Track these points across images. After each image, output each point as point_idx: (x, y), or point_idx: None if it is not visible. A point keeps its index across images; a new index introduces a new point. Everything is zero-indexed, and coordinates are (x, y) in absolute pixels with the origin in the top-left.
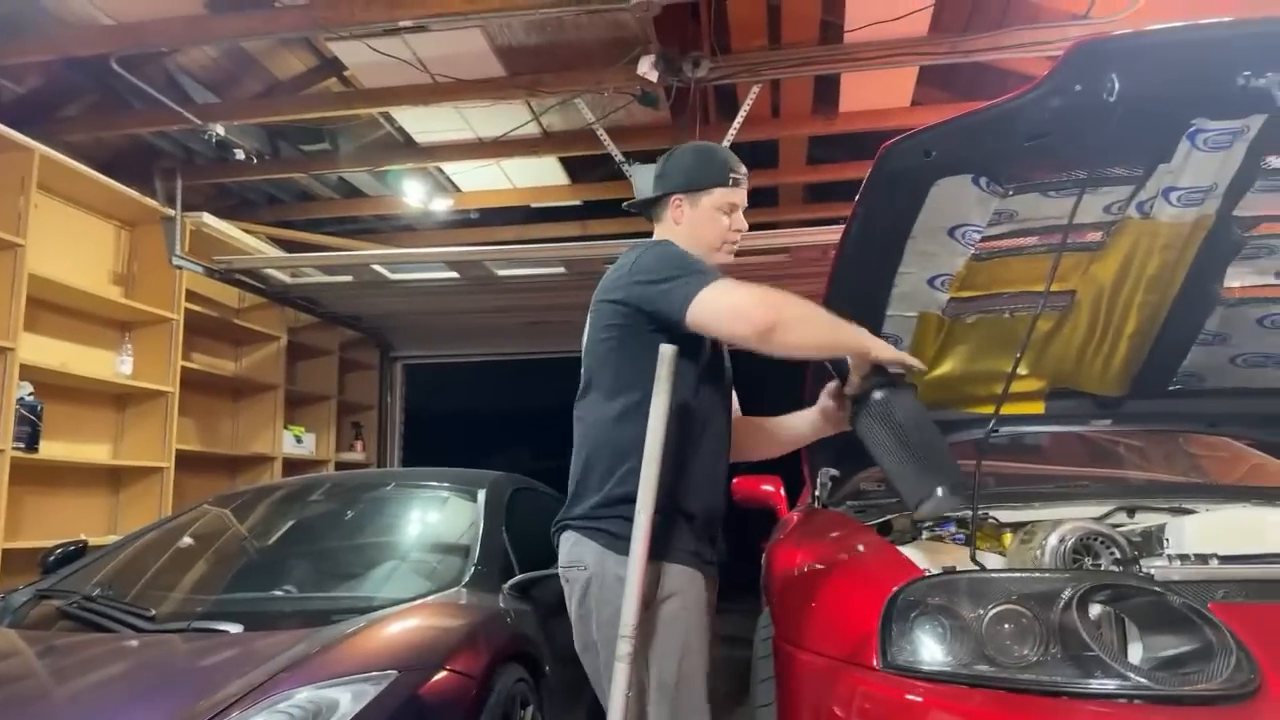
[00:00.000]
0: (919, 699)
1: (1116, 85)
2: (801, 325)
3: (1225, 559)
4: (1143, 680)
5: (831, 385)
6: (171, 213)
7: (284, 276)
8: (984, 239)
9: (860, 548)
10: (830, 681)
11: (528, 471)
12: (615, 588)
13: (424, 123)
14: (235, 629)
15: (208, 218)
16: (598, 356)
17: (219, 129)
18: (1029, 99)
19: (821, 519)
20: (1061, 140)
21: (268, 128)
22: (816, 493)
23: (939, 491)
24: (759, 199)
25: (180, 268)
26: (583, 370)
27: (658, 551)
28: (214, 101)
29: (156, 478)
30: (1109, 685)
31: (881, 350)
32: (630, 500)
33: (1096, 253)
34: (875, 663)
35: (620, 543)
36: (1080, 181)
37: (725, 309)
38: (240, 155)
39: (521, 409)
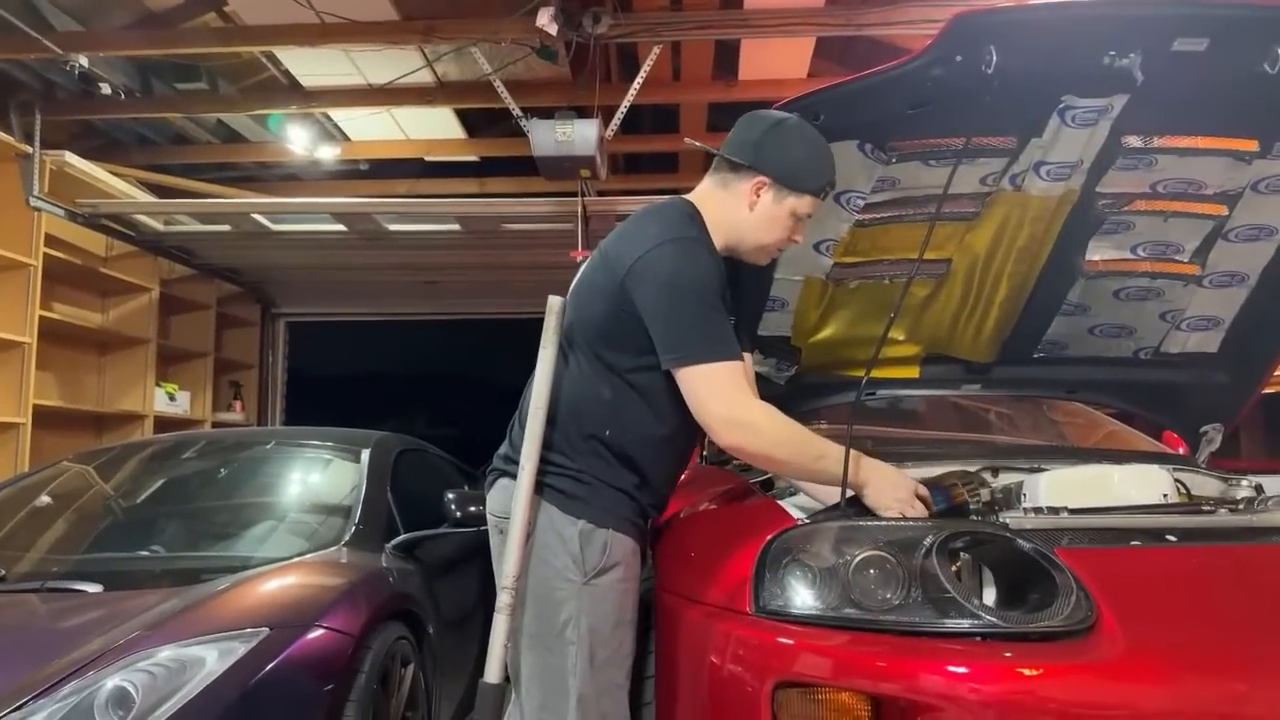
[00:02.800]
0: (790, 641)
1: (994, 58)
2: (775, 465)
3: (1074, 511)
4: (993, 619)
5: None
6: (29, 150)
7: (155, 224)
8: (867, 205)
9: (739, 500)
10: (706, 627)
11: (424, 440)
12: (555, 545)
13: (310, 65)
14: (94, 589)
15: (70, 157)
16: (594, 318)
17: (83, 60)
18: (913, 67)
19: (705, 474)
20: (942, 110)
21: (139, 62)
22: (704, 451)
23: None
24: (661, 163)
25: (39, 210)
26: (568, 310)
27: (606, 519)
28: (77, 30)
29: (11, 434)
30: (963, 624)
31: (877, 504)
32: (588, 468)
33: (972, 223)
34: (748, 608)
35: (571, 502)
36: (957, 152)
37: (712, 398)
38: (106, 90)
39: (416, 373)
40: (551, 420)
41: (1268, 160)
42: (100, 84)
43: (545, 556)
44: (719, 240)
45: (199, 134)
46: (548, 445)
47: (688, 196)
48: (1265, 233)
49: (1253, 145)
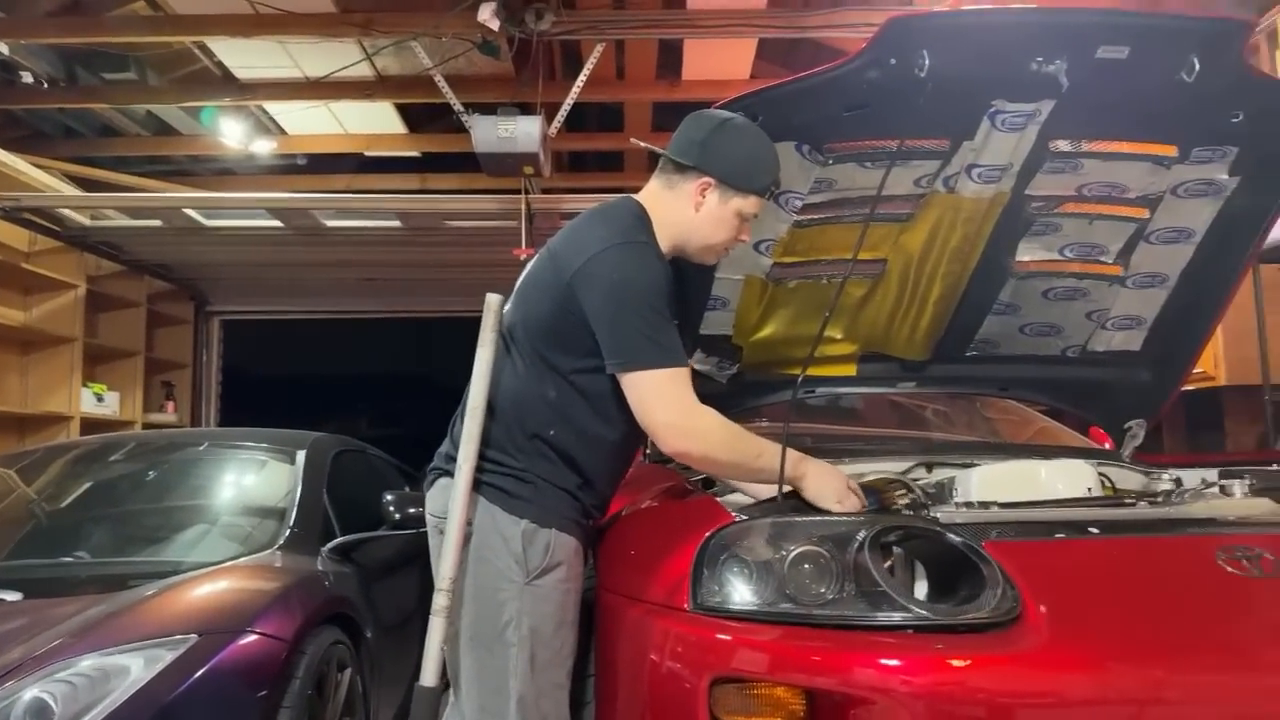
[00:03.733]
0: (726, 637)
1: (927, 61)
2: (718, 467)
3: (1004, 505)
4: (924, 612)
5: None
6: None
7: (82, 218)
8: (805, 206)
9: (678, 498)
10: (645, 625)
11: (366, 442)
12: (497, 545)
13: (244, 57)
14: (13, 597)
15: None
16: (540, 317)
17: (3, 48)
18: (848, 69)
19: (647, 473)
20: (877, 112)
21: (63, 50)
22: (646, 450)
23: None
24: (606, 162)
25: None
26: (513, 308)
27: (549, 519)
28: None
29: None
30: (895, 618)
31: (818, 496)
32: (531, 467)
33: (906, 224)
34: (686, 605)
35: (514, 501)
36: (891, 154)
37: (658, 405)
38: (29, 79)
39: (357, 373)
40: (495, 418)
41: (1185, 166)
42: (22, 72)
43: (487, 556)
44: (666, 241)
45: (128, 126)
46: (491, 444)
47: (636, 197)
48: (1184, 235)
49: (1172, 151)
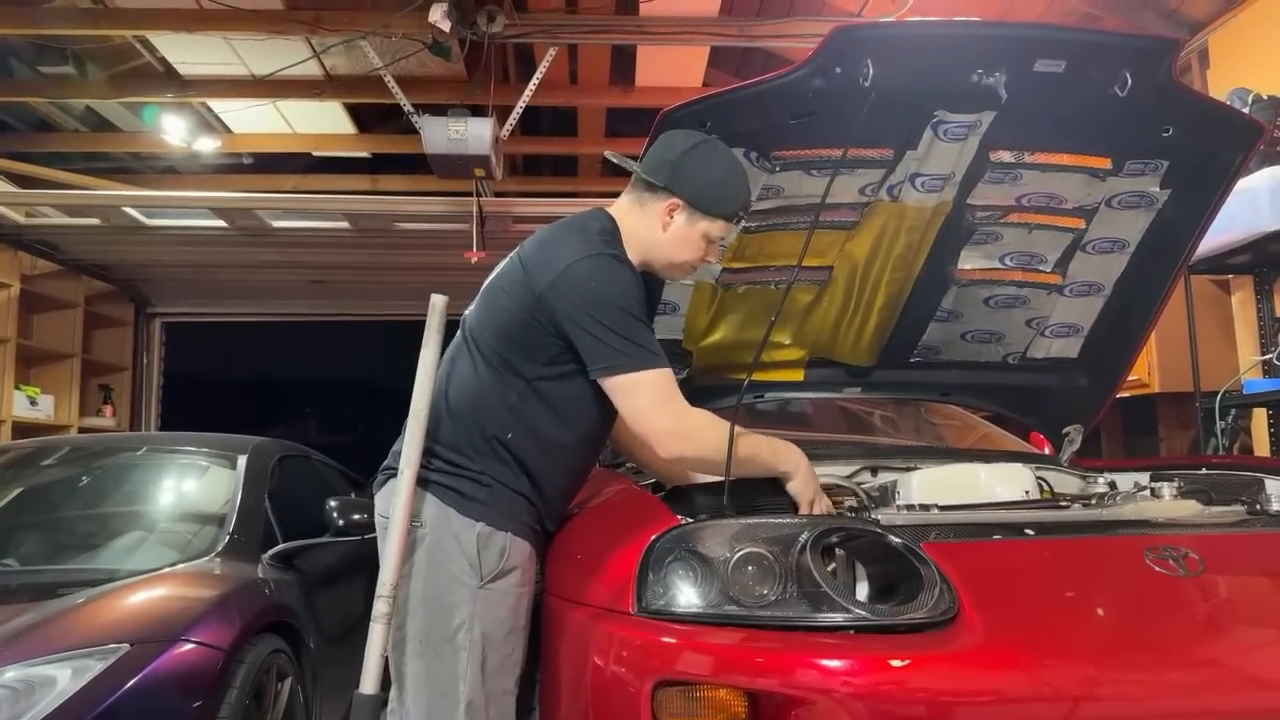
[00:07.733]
0: (671, 640)
1: (871, 71)
2: (714, 469)
3: (944, 508)
4: (863, 613)
5: None
6: None
7: (16, 215)
8: (753, 212)
9: (624, 502)
10: (589, 629)
11: (315, 448)
12: (451, 548)
13: (188, 52)
14: None
15: None
16: (506, 323)
17: None
18: (795, 77)
19: (596, 477)
20: (823, 121)
21: None
22: (601, 459)
23: None
24: (561, 166)
25: None
26: (477, 310)
27: (505, 523)
28: None
29: None
30: (836, 618)
31: (800, 493)
32: (488, 470)
33: (851, 231)
34: (631, 608)
35: (470, 504)
36: (836, 162)
37: (652, 411)
38: None
39: (306, 377)
40: (454, 420)
41: (1119, 178)
42: None
43: (441, 559)
44: (635, 256)
45: (65, 121)
46: (448, 445)
47: (608, 210)
48: (1118, 245)
49: (1106, 163)
